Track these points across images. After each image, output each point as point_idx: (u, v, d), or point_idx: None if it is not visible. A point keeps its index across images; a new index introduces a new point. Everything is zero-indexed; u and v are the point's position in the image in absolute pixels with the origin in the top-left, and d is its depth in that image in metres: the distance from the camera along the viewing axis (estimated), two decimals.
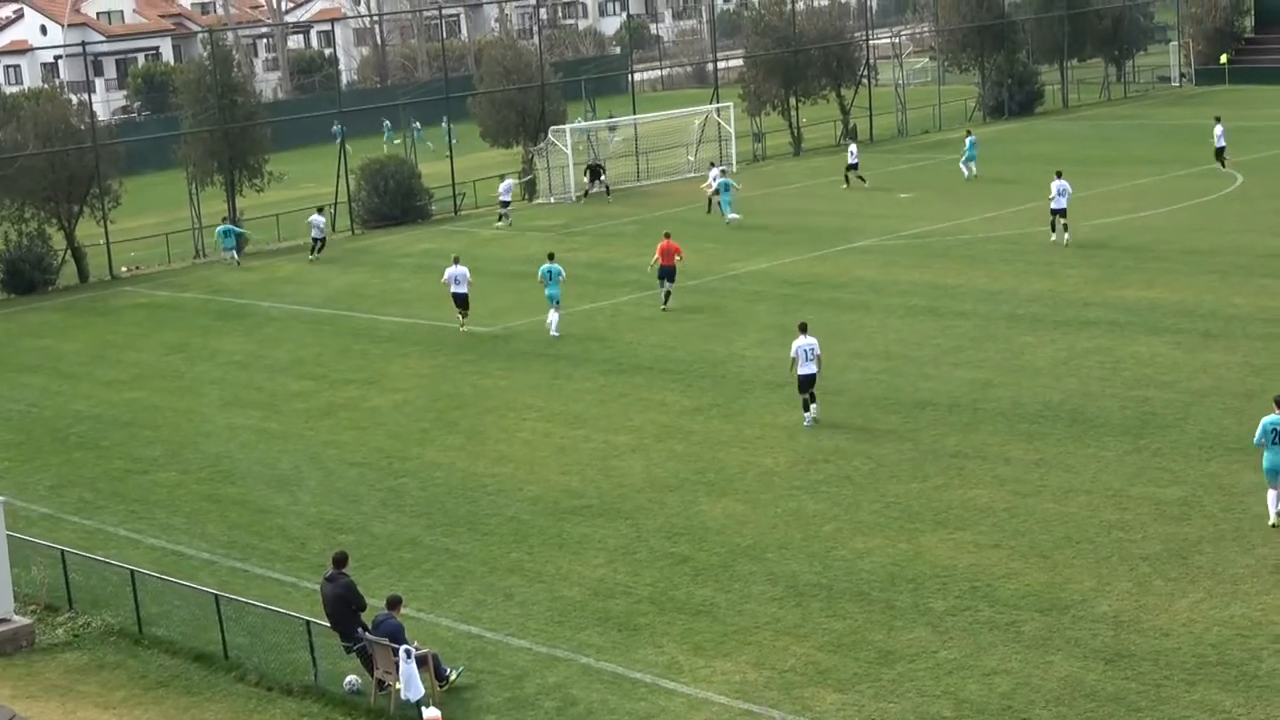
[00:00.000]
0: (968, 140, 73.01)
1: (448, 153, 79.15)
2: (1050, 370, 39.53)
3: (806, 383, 36.73)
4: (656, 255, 50.01)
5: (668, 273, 49.67)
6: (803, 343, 36.62)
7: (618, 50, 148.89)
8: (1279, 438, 28.35)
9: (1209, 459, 32.28)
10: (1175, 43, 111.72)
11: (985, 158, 73.92)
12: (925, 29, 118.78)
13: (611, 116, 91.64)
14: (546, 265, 48.11)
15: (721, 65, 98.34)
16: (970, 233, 58.71)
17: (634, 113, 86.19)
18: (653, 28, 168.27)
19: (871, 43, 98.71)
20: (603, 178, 76.85)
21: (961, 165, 72.54)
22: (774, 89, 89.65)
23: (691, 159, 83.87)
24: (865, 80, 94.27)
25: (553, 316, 47.45)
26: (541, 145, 79.07)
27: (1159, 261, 51.03)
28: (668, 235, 50.89)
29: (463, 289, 49.09)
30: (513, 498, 33.39)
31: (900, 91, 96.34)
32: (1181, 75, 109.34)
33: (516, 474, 34.93)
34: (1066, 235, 54.47)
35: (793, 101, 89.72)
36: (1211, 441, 33.31)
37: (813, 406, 36.84)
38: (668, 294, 49.70)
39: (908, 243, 58.01)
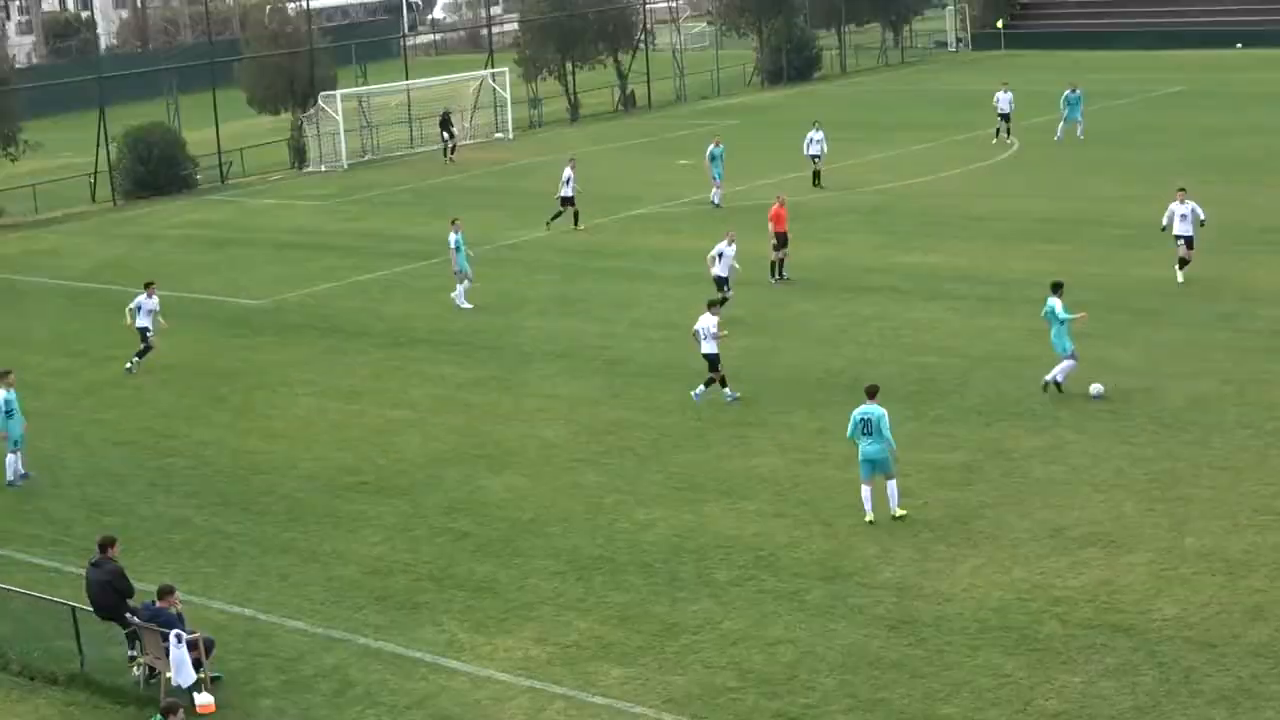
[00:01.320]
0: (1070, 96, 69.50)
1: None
2: (831, 338, 39.58)
3: (709, 362, 35.32)
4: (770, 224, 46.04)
5: (781, 239, 45.86)
6: (700, 321, 35.27)
7: (394, 13, 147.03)
8: (868, 428, 27.68)
9: (988, 424, 32.46)
10: (951, 8, 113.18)
11: (763, 124, 74.13)
12: None
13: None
14: (452, 235, 45.21)
15: (496, 30, 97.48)
16: (751, 199, 58.66)
17: (406, 78, 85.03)
18: None
19: (649, 7, 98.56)
20: (454, 131, 75.39)
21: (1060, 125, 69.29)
22: (550, 54, 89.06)
23: (467, 125, 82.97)
24: (643, 45, 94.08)
25: (461, 289, 45.26)
26: (311, 112, 77.63)
27: (937, 227, 51.46)
28: (780, 199, 47.01)
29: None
30: (286, 475, 32.53)
31: (678, 57, 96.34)
32: (958, 40, 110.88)
33: (290, 451, 34.04)
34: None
35: (569, 67, 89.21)
36: (991, 406, 33.52)
37: (725, 388, 35.18)
38: (777, 264, 45.93)
39: (689, 210, 57.90)
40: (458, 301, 45.15)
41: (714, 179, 57.44)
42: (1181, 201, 43.03)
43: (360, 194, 67.44)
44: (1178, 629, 23.18)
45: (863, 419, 27.77)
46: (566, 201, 54.98)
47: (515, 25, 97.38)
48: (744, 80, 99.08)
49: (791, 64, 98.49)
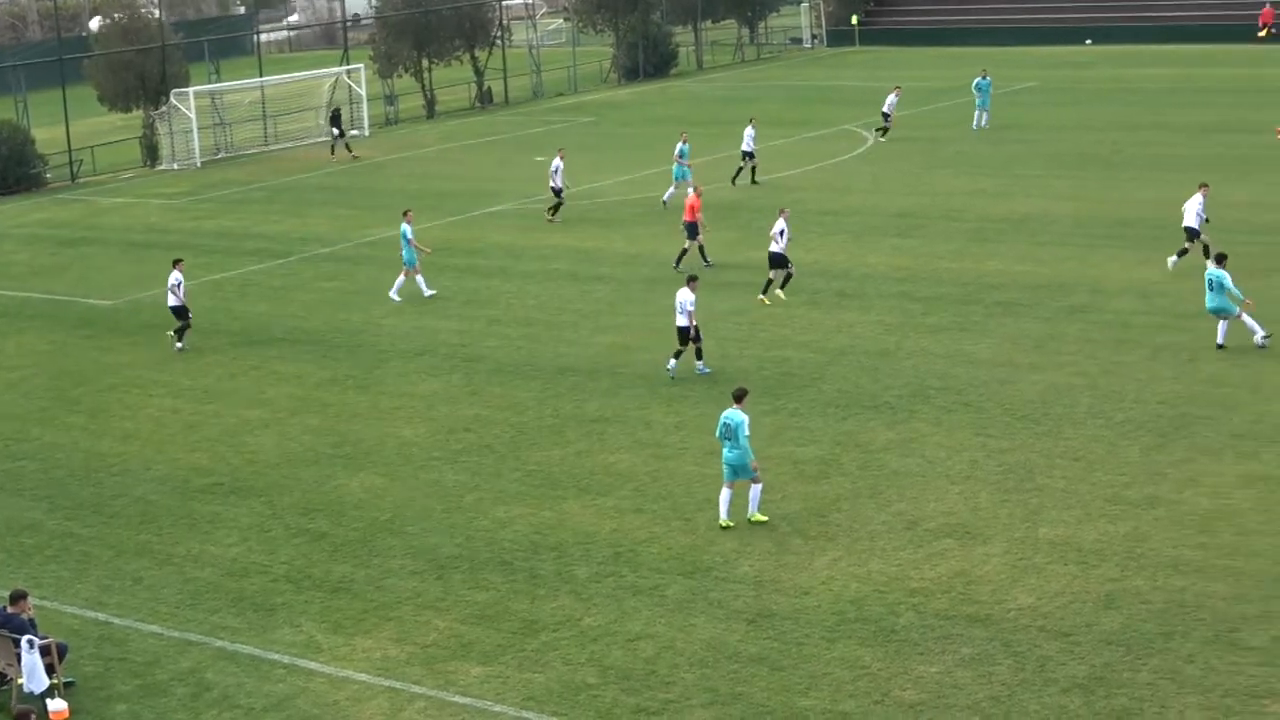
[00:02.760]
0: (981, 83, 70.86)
1: None
2: None
3: (679, 334, 36.16)
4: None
5: (691, 229, 46.21)
6: (678, 296, 36.08)
7: (242, 10, 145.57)
8: (728, 431, 27.42)
9: (845, 417, 32.68)
10: (807, 4, 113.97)
11: (621, 120, 74.20)
12: None
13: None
14: (404, 226, 44.94)
15: (352, 26, 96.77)
16: (607, 196, 58.77)
17: (260, 75, 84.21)
18: None
19: (505, 4, 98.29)
20: (343, 129, 74.61)
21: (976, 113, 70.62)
22: (406, 50, 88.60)
23: (322, 122, 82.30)
24: (499, 42, 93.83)
25: (399, 282, 45.01)
26: (163, 109, 76.64)
27: (794, 223, 51.57)
28: (695, 189, 47.36)
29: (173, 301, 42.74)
30: (140, 478, 32.06)
31: (534, 53, 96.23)
32: (814, 37, 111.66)
33: (143, 453, 33.56)
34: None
35: (425, 63, 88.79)
36: (848, 400, 33.75)
37: (698, 362, 36.18)
38: (686, 252, 46.39)
39: (544, 207, 57.72)
40: (393, 295, 44.91)
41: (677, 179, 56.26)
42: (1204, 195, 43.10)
43: (214, 192, 66.68)
44: (1032, 618, 23.46)
45: (724, 423, 27.61)
46: (558, 192, 54.45)
47: (371, 21, 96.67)
48: (601, 77, 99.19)
49: (648, 60, 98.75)
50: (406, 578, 26.38)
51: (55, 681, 22.55)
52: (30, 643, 22.30)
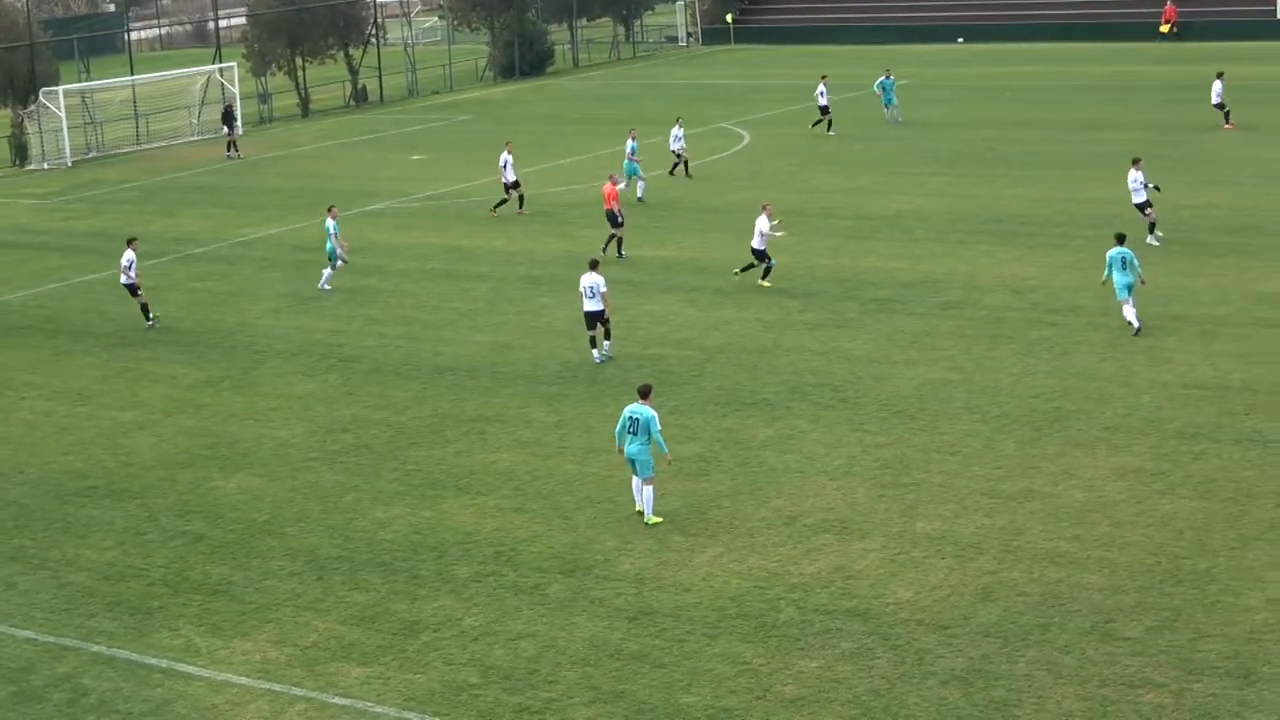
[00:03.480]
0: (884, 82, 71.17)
1: None
2: (568, 331, 39.60)
3: (590, 320, 36.80)
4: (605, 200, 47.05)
5: (610, 217, 46.82)
6: (585, 280, 36.74)
7: (112, 8, 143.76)
8: (635, 426, 27.27)
9: (724, 414, 32.81)
10: (682, 2, 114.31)
11: (498, 119, 74.02)
12: None
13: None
14: (329, 221, 45.05)
15: (224, 24, 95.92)
16: (485, 194, 58.58)
17: (131, 73, 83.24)
18: None
19: (379, 1, 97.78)
20: (236, 126, 73.67)
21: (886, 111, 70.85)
22: (279, 48, 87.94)
23: (195, 121, 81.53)
24: (374, 40, 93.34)
25: (327, 273, 45.27)
26: (32, 108, 75.56)
27: (671, 220, 51.86)
28: (612, 177, 48.09)
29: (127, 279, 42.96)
30: (12, 481, 31.60)
31: (410, 51, 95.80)
32: (689, 35, 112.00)
33: (16, 456, 33.08)
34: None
35: (299, 62, 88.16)
36: (727, 397, 33.88)
37: (606, 344, 37.01)
38: (612, 241, 46.93)
39: (422, 205, 57.59)
40: (323, 285, 45.02)
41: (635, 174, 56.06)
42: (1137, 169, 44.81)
43: (85, 192, 65.85)
44: (911, 612, 23.67)
45: (631, 418, 27.47)
46: (512, 185, 54.00)
47: (243, 19, 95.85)
48: (477, 75, 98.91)
49: (524, 58, 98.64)
50: (285, 579, 26.18)
51: None
52: None
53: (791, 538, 26.60)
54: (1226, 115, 64.32)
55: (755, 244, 42.50)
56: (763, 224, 42.01)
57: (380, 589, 25.59)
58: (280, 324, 42.10)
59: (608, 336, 37.22)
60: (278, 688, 22.59)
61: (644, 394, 27.85)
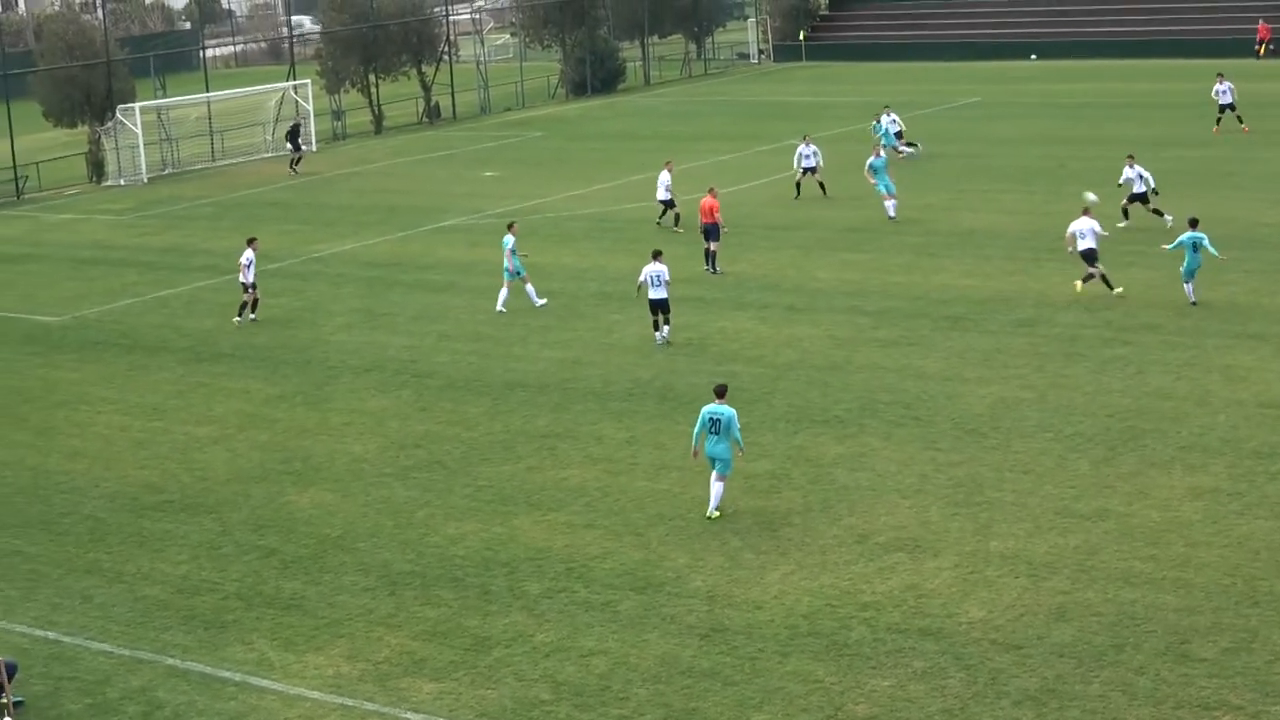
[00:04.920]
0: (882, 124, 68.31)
1: None
2: (638, 348, 39.69)
3: (655, 306, 39.38)
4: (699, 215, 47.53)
5: (711, 231, 47.19)
6: (651, 268, 39.17)
7: (188, 25, 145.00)
8: (716, 427, 28.00)
9: (796, 432, 32.75)
10: (753, 19, 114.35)
11: (569, 135, 74.20)
12: (505, 5, 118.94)
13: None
14: (507, 237, 44.36)
15: (298, 41, 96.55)
16: (556, 210, 58.78)
17: (207, 90, 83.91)
18: (224, 1, 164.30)
19: (452, 19, 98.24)
20: (300, 143, 74.10)
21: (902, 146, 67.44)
22: (353, 65, 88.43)
23: (269, 138, 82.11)
24: (446, 57, 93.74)
25: (502, 293, 44.35)
26: (109, 125, 76.29)
27: (742, 237, 51.79)
28: (711, 190, 48.25)
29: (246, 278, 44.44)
30: (88, 495, 31.87)
31: (482, 68, 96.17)
32: (760, 52, 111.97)
33: (91, 470, 33.37)
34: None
35: (372, 78, 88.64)
36: (798, 414, 33.82)
37: (665, 328, 39.63)
38: (710, 254, 47.24)
39: (494, 222, 57.67)
40: (533, 300, 44.31)
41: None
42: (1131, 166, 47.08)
43: (161, 208, 66.41)
44: (984, 631, 23.55)
45: (711, 418, 28.03)
46: (668, 204, 54.05)
47: (317, 36, 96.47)
48: (548, 92, 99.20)
49: (596, 75, 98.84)
50: (358, 594, 26.29)
51: (4, 701, 22.40)
52: None
53: (863, 556, 26.52)
54: (1237, 118, 67.07)
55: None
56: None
57: (452, 604, 25.65)
58: (353, 339, 42.32)
59: (667, 323, 39.73)
60: (350, 702, 22.68)
61: (720, 393, 28.35)
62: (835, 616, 24.34)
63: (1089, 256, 41.85)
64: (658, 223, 54.72)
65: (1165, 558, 25.72)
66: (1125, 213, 49.05)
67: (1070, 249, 42.48)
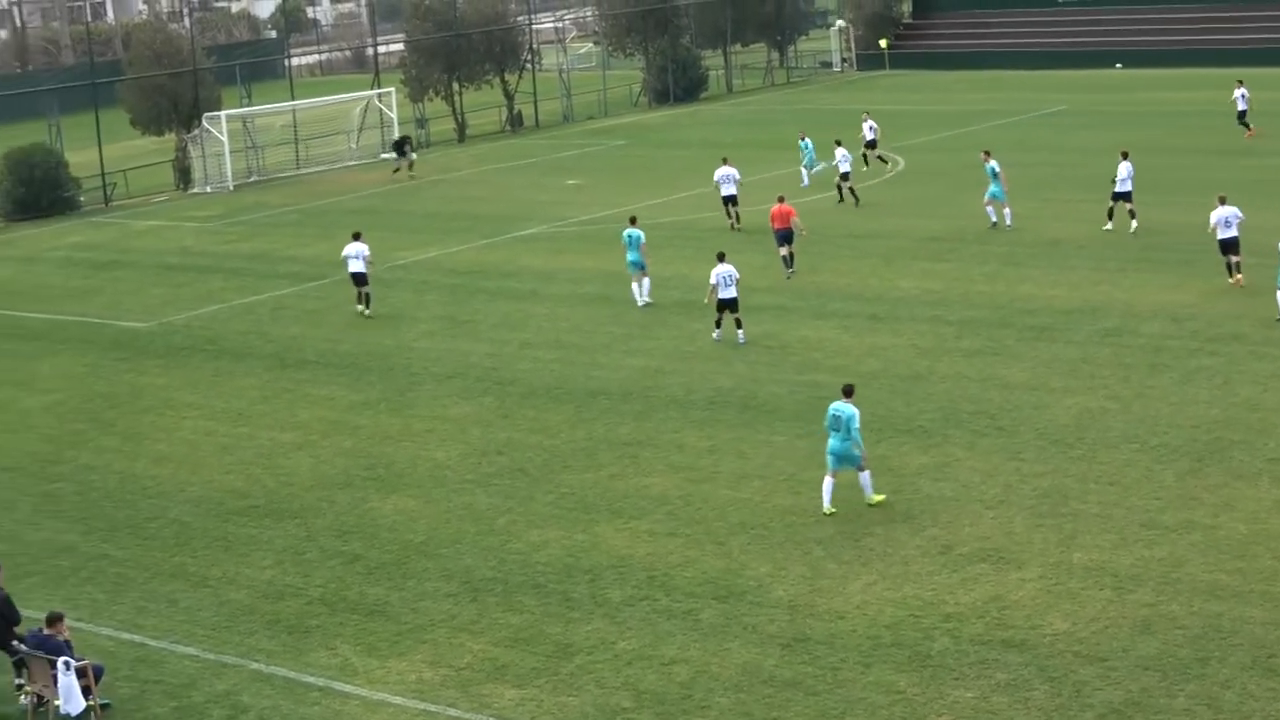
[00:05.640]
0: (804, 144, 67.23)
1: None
2: (720, 356, 39.68)
3: (724, 305, 40.32)
4: (771, 221, 48.02)
5: (785, 236, 47.75)
6: (721, 270, 40.08)
7: (273, 34, 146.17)
8: (837, 423, 28.67)
9: (878, 441, 32.54)
10: (836, 28, 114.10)
11: (649, 144, 74.28)
12: (588, 14, 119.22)
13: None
14: (628, 230, 45.85)
15: (382, 50, 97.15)
16: (639, 219, 58.71)
17: (292, 98, 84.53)
18: (309, 10, 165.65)
19: (534, 27, 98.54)
20: (409, 151, 74.53)
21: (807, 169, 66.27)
22: (436, 74, 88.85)
23: (353, 146, 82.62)
24: (529, 65, 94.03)
25: (638, 284, 45.62)
26: (196, 133, 76.97)
27: (824, 246, 51.65)
28: (781, 199, 48.71)
29: (361, 267, 46.27)
30: (174, 499, 32.17)
31: (565, 77, 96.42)
32: (843, 60, 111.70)
33: (178, 475, 33.69)
34: (1134, 223, 51.66)
35: (456, 87, 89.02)
36: (880, 424, 33.61)
37: (739, 332, 40.39)
38: (789, 257, 47.88)
39: (576, 229, 57.92)
40: (645, 298, 45.60)
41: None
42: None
43: (246, 215, 66.95)
44: (1068, 643, 23.39)
45: (835, 415, 28.62)
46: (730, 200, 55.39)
47: (401, 45, 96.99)
48: (631, 100, 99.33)
49: (678, 84, 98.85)
50: (441, 600, 26.41)
51: (92, 703, 22.62)
52: (67, 664, 22.37)
53: (946, 566, 26.40)
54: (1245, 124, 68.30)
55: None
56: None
57: (534, 611, 25.72)
58: (436, 347, 42.51)
59: (739, 325, 40.41)
60: (433, 708, 22.78)
61: (848, 393, 29.04)
62: (918, 627, 24.25)
63: (1229, 246, 42.30)
64: (736, 227, 54.86)
65: (1252, 570, 25.47)
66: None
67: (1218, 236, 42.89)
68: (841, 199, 59.17)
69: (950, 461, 31.29)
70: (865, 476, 29.04)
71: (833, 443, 28.81)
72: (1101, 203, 53.05)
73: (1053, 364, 37.43)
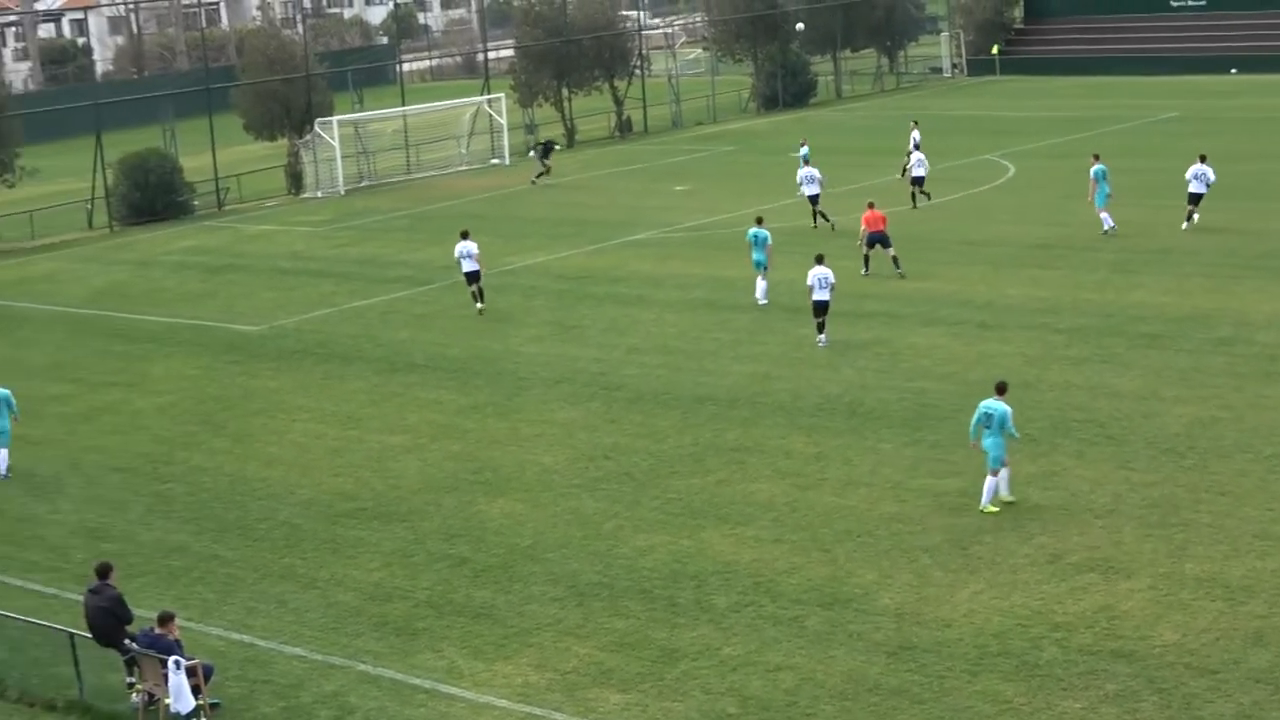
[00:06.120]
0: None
1: None
2: (828, 363, 39.57)
3: (819, 309, 40.67)
4: (864, 225, 48.63)
5: (879, 239, 48.43)
6: (818, 272, 40.59)
7: (385, 40, 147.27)
8: (989, 421, 29.04)
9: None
10: (946, 33, 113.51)
11: (758, 149, 74.29)
12: (698, 19, 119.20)
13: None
14: (753, 230, 47.20)
15: (492, 56, 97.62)
16: (747, 224, 58.57)
17: (403, 104, 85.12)
18: (421, 17, 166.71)
19: (644, 33, 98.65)
20: (547, 162, 74.83)
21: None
22: (546, 80, 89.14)
23: (463, 151, 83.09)
24: (639, 72, 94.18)
25: (761, 284, 46.45)
26: (308, 138, 77.69)
27: (933, 252, 51.43)
28: (872, 205, 49.18)
29: (474, 266, 47.43)
30: (284, 501, 32.48)
31: (674, 83, 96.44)
32: (953, 66, 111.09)
33: (287, 477, 34.01)
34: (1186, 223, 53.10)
35: (565, 93, 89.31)
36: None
37: (820, 336, 40.79)
38: (895, 259, 48.44)
39: (685, 235, 57.93)
40: (761, 298, 46.38)
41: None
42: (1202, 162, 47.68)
43: (357, 220, 67.47)
44: (1178, 655, 23.15)
45: (986, 413, 29.10)
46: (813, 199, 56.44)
47: (511, 51, 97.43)
48: (740, 106, 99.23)
49: (787, 90, 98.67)
50: (547, 604, 26.50)
51: (201, 703, 22.87)
52: (177, 663, 22.62)
53: (1055, 576, 26.20)
54: None
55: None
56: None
57: (640, 616, 25.76)
58: (544, 351, 42.66)
59: (821, 329, 40.91)
60: (538, 712, 22.87)
61: (1000, 390, 29.40)
62: (1026, 636, 24.08)
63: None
64: (830, 225, 55.19)
65: None
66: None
67: None
68: (915, 204, 59.08)
69: (1059, 470, 31.04)
70: (1005, 474, 29.26)
71: (986, 441, 29.16)
72: (1215, 210, 52.50)
73: (1163, 372, 37.04)
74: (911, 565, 26.99)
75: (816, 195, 56.50)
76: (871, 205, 48.67)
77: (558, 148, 75.48)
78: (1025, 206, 58.94)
